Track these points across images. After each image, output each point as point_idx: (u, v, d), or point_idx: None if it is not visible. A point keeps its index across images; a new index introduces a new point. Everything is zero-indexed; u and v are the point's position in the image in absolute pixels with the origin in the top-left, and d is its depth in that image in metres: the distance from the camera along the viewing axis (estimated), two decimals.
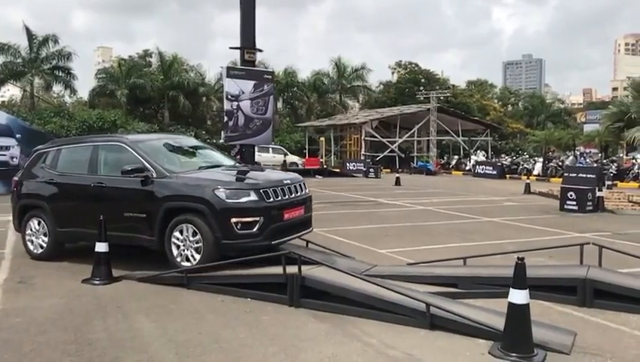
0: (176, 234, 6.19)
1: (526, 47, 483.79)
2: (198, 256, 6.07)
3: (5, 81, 36.68)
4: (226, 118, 17.31)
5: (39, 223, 7.34)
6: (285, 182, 6.60)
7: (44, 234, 7.32)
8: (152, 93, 39.78)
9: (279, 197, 6.31)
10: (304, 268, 5.25)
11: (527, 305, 3.99)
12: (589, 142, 34.83)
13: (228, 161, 7.82)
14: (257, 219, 6.02)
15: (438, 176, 31.92)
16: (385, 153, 36.62)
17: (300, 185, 6.83)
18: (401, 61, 55.84)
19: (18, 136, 17.50)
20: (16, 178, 7.92)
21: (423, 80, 51.90)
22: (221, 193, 6.03)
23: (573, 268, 5.82)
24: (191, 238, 6.10)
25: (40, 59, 36.55)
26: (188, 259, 6.13)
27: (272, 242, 6.14)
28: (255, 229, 6.01)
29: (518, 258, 4.06)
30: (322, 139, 39.93)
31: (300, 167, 31.25)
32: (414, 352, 4.15)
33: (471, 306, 4.92)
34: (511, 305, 4.01)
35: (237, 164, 8.08)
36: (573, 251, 6.31)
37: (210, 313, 5.12)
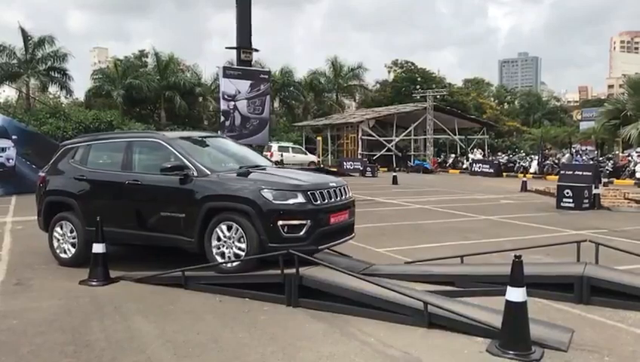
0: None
1: (522, 45, 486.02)
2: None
3: (1, 83, 36.57)
4: (222, 118, 17.32)
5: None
6: (331, 184, 6.25)
7: (73, 237, 6.93)
8: (149, 93, 39.74)
9: (326, 201, 5.98)
10: (302, 267, 5.24)
11: (525, 302, 3.99)
12: (585, 139, 35.06)
13: (265, 162, 7.47)
14: (305, 222, 5.72)
15: (435, 174, 32.00)
16: (382, 152, 36.71)
17: (344, 188, 6.51)
18: (397, 60, 55.91)
19: (14, 137, 17.42)
20: (42, 173, 7.55)
21: (419, 79, 51.99)
22: (267, 194, 5.71)
23: (570, 266, 5.83)
24: (233, 237, 5.82)
25: (36, 60, 36.51)
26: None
27: (319, 247, 5.82)
28: (302, 233, 5.71)
29: (515, 256, 4.07)
30: (319, 138, 39.97)
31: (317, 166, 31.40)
32: (412, 351, 4.15)
33: (468, 304, 4.92)
34: (508, 303, 4.02)
35: (275, 165, 7.72)
36: (570, 248, 6.34)
37: (208, 313, 5.12)
